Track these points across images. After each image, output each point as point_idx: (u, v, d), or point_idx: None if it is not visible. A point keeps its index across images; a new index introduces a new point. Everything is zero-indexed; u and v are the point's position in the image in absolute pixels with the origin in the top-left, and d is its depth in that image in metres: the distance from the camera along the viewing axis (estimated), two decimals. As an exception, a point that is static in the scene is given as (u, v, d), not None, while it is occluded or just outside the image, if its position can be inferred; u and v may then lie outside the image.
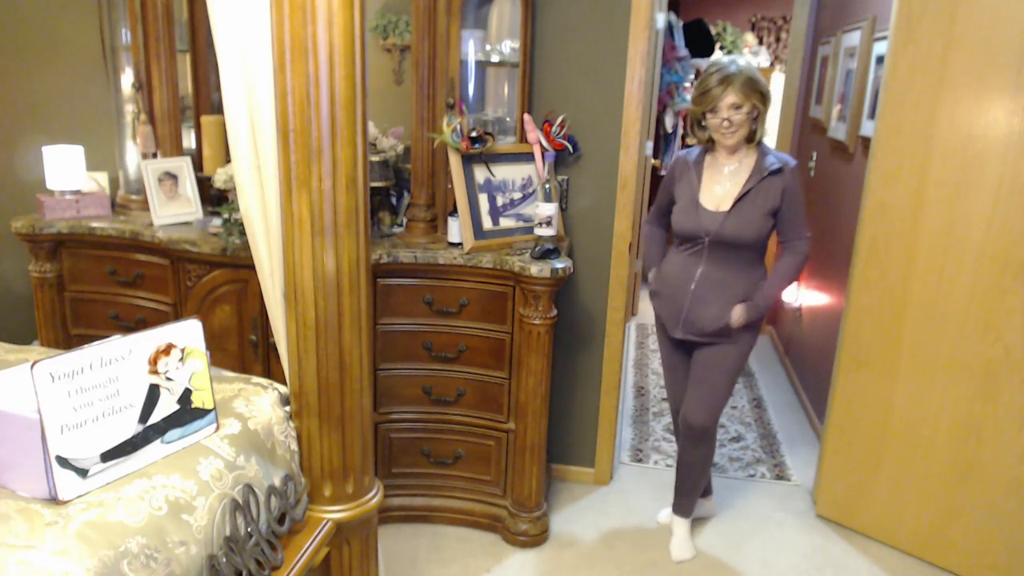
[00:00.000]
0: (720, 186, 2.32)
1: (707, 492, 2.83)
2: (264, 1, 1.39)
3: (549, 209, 2.42)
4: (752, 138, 2.29)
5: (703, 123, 2.32)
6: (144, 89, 2.64)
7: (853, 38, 3.49)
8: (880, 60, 2.93)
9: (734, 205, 2.27)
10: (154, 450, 1.29)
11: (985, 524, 2.48)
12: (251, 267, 1.82)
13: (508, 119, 2.77)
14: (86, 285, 2.69)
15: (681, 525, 2.67)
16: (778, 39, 7.58)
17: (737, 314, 2.33)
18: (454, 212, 2.51)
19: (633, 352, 4.60)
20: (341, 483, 1.58)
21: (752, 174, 2.28)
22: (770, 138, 4.79)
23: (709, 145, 2.36)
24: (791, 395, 4.06)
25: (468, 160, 2.50)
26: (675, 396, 2.61)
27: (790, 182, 2.27)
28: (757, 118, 2.27)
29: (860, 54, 3.31)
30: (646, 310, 5.33)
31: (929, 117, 2.42)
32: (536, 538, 2.65)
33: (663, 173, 5.59)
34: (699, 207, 2.32)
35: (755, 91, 2.21)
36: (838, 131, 3.64)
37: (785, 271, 2.38)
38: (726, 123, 2.22)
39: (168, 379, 1.31)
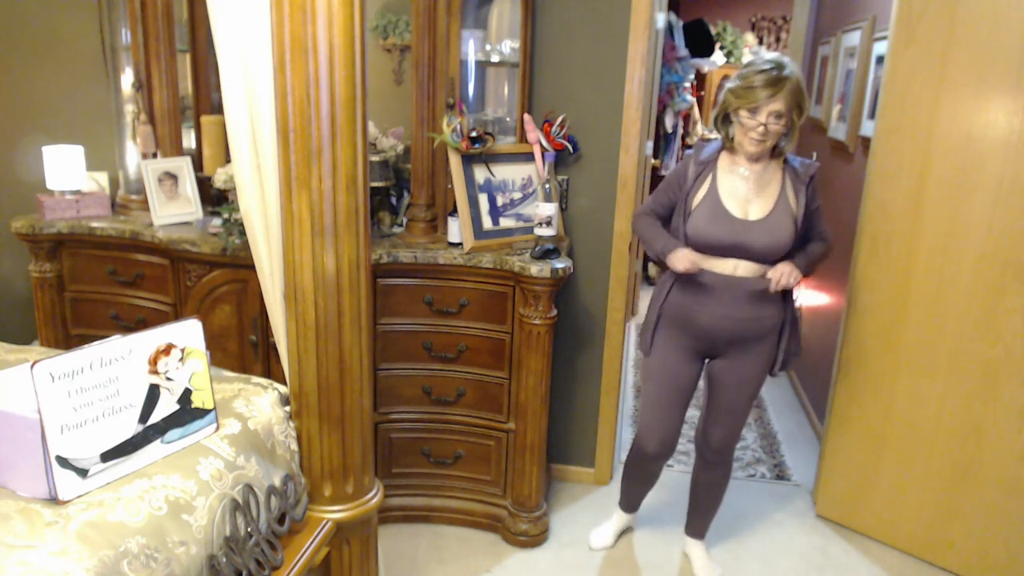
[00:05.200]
0: (741, 189, 2.12)
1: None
2: (264, 1, 1.39)
3: (549, 209, 2.42)
4: (777, 152, 2.12)
5: (733, 119, 2.09)
6: (144, 89, 2.64)
7: (853, 38, 3.49)
8: (880, 60, 2.93)
9: (769, 215, 2.10)
10: (154, 450, 1.29)
11: (985, 524, 2.48)
12: (251, 267, 1.82)
13: (508, 119, 2.77)
14: (86, 285, 2.69)
15: (697, 547, 2.58)
16: (778, 39, 7.58)
17: (782, 271, 2.06)
18: (454, 212, 2.51)
19: (633, 352, 4.60)
20: (341, 483, 1.58)
21: (783, 182, 2.12)
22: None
23: (729, 144, 2.15)
24: (791, 395, 4.06)
25: (468, 160, 2.50)
26: (670, 413, 2.32)
27: (813, 185, 2.14)
28: (788, 133, 2.09)
29: (860, 54, 3.32)
30: (646, 310, 5.32)
31: (929, 117, 2.42)
32: (536, 538, 2.65)
33: (663, 173, 5.57)
34: (730, 216, 2.10)
35: (798, 103, 2.02)
36: (838, 131, 3.64)
37: (816, 248, 2.20)
38: (761, 129, 2.02)
39: (168, 379, 1.31)
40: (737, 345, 2.21)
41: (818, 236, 2.24)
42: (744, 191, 2.13)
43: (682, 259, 2.10)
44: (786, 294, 2.20)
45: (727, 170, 2.16)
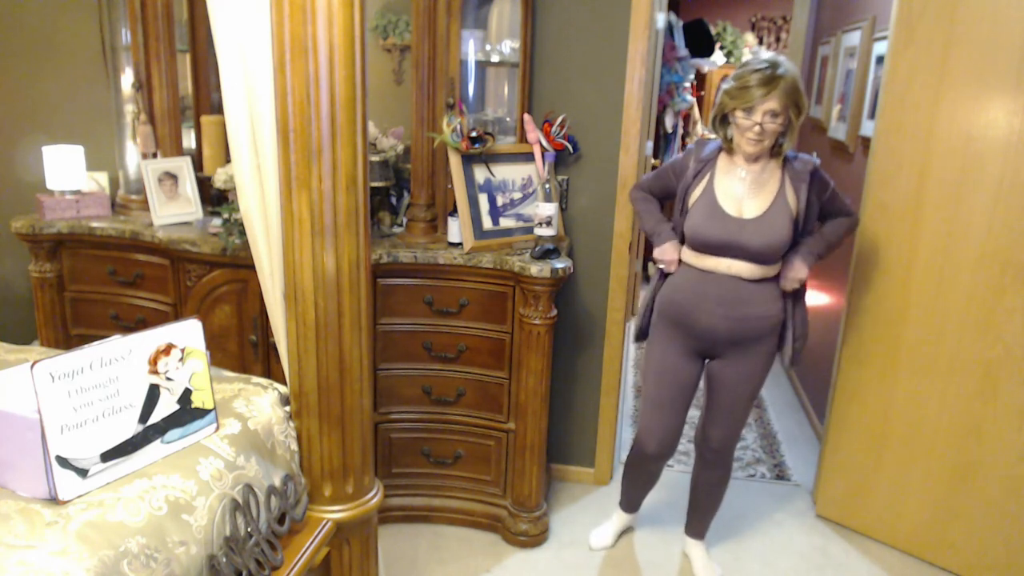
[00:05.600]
0: (738, 189, 2.12)
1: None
2: (264, 1, 1.39)
3: (549, 209, 2.42)
4: (776, 151, 2.11)
5: (730, 120, 2.09)
6: (144, 89, 2.64)
7: (853, 38, 3.49)
8: (880, 60, 2.93)
9: (764, 214, 2.09)
10: (154, 450, 1.29)
11: (985, 524, 2.48)
12: (251, 267, 1.82)
13: (508, 119, 2.77)
14: (86, 285, 2.69)
15: (698, 547, 2.58)
16: (778, 39, 7.59)
17: (797, 268, 2.13)
18: (454, 212, 2.51)
19: (633, 352, 4.60)
20: (341, 483, 1.58)
21: (783, 181, 2.11)
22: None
23: (727, 145, 2.15)
24: (791, 395, 4.06)
25: (468, 160, 2.50)
26: (671, 413, 2.30)
27: (817, 179, 2.13)
28: (786, 132, 2.07)
29: (860, 54, 3.32)
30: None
31: (929, 117, 2.42)
32: (536, 538, 2.65)
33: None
34: (725, 214, 2.11)
35: (795, 102, 2.01)
36: (838, 131, 3.64)
37: (836, 228, 2.22)
38: (757, 128, 2.01)
39: (168, 379, 1.31)
40: (736, 345, 2.21)
41: (838, 214, 2.25)
42: (741, 191, 2.13)
43: (666, 256, 2.22)
44: (787, 293, 2.21)
45: (725, 170, 2.16)
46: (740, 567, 2.61)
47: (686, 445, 3.37)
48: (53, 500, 1.15)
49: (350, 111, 1.41)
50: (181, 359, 1.33)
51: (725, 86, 2.09)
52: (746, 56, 6.82)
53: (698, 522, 2.58)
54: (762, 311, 2.17)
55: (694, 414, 3.36)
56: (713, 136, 2.24)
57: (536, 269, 2.34)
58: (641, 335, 2.39)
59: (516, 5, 2.62)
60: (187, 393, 1.34)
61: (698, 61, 5.64)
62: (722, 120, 2.14)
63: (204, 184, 2.73)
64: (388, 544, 2.60)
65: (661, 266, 2.20)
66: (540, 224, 2.43)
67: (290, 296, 1.50)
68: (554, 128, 2.61)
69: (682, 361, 2.28)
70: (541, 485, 2.63)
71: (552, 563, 2.58)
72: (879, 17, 3.12)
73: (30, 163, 2.93)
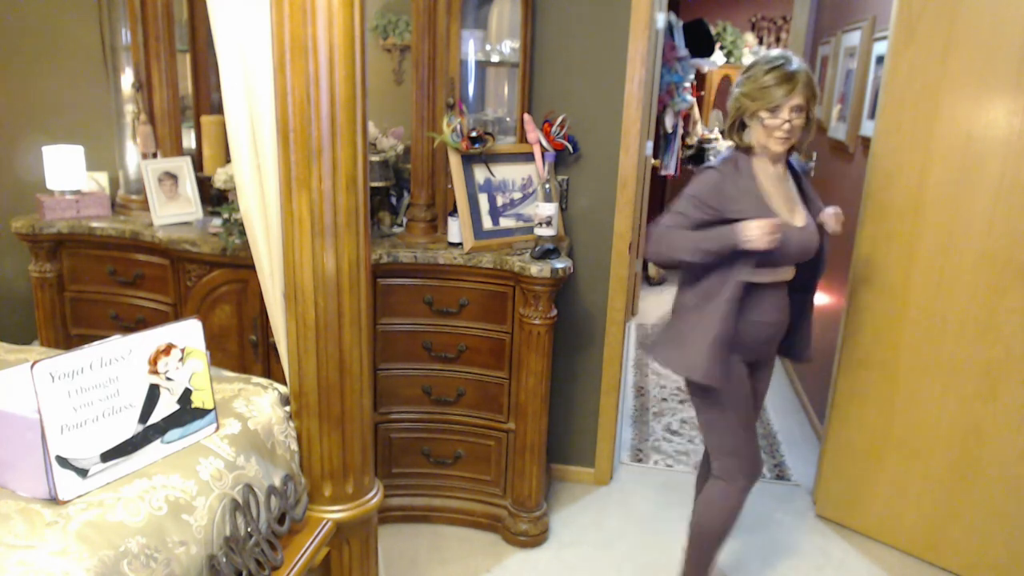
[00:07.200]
0: (780, 196, 2.05)
1: None
2: (264, 1, 1.39)
3: (549, 209, 2.42)
4: (795, 147, 2.06)
5: (749, 122, 2.02)
6: (144, 89, 2.64)
7: (853, 38, 3.49)
8: (880, 60, 2.93)
9: (807, 217, 2.08)
10: (154, 450, 1.29)
11: (985, 524, 2.48)
12: (251, 267, 1.82)
13: (508, 119, 2.78)
14: (86, 285, 2.69)
15: None
16: (778, 39, 7.58)
17: (833, 211, 2.09)
18: (454, 212, 2.51)
19: (633, 352, 4.60)
20: (341, 483, 1.58)
21: (802, 183, 2.11)
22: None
23: (747, 150, 2.05)
24: (791, 395, 4.06)
25: (468, 160, 2.50)
26: (754, 430, 2.22)
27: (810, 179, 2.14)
28: (807, 126, 2.02)
29: (860, 54, 3.32)
30: (646, 310, 5.33)
31: (929, 117, 2.42)
32: (536, 538, 2.65)
33: (663, 173, 5.54)
34: (788, 224, 2.01)
35: (813, 94, 1.97)
36: (838, 131, 3.64)
37: None
38: (786, 126, 1.95)
39: (168, 379, 1.31)
40: (769, 350, 2.20)
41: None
42: (783, 196, 2.07)
43: (762, 230, 1.89)
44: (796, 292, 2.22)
45: (765, 178, 2.05)
46: (740, 567, 2.61)
47: (686, 445, 3.37)
48: (53, 500, 1.15)
49: (350, 111, 1.41)
50: (181, 359, 1.33)
51: (740, 90, 2.01)
52: (746, 57, 6.81)
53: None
54: (787, 313, 2.18)
55: (693, 418, 3.36)
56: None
57: (536, 269, 2.34)
58: (712, 378, 2.04)
59: (516, 5, 2.62)
60: (187, 393, 1.34)
61: (698, 61, 5.63)
62: (742, 124, 2.05)
63: (204, 184, 2.73)
64: (388, 544, 2.60)
65: (767, 242, 1.89)
66: (540, 224, 2.43)
67: (290, 296, 1.50)
68: (554, 128, 2.61)
69: (745, 376, 2.14)
70: (541, 485, 2.63)
71: (552, 563, 2.58)
72: (879, 17, 3.12)
73: (30, 163, 2.93)
